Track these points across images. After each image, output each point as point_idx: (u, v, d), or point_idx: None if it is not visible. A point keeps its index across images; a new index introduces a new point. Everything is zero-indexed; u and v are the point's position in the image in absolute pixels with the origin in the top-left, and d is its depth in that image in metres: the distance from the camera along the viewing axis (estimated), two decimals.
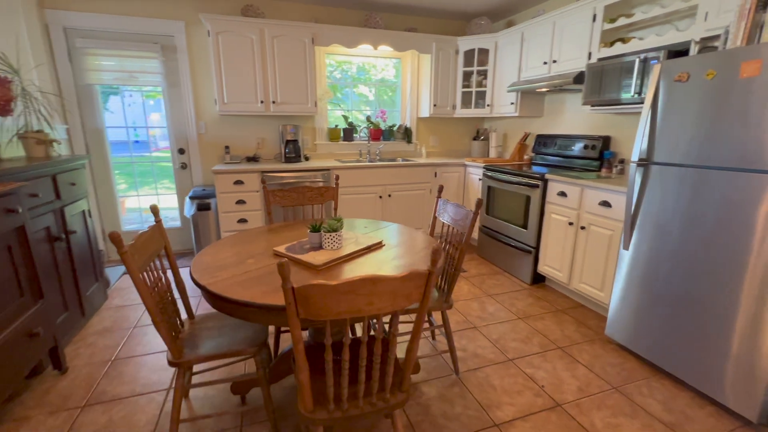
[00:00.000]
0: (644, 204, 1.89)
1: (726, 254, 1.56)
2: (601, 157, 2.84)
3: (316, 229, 1.52)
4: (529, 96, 3.42)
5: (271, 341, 2.11)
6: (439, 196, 2.01)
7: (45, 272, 1.90)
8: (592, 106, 2.61)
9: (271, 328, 2.22)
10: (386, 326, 2.11)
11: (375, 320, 1.54)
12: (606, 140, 2.84)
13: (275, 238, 1.73)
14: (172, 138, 3.42)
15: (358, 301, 0.94)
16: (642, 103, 2.23)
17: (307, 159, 3.69)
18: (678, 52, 2.09)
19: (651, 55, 2.14)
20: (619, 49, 2.43)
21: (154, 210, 1.50)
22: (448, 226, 1.87)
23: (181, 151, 3.46)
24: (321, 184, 3.15)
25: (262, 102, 3.25)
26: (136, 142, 3.34)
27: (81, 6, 2.95)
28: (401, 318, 2.41)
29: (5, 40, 2.46)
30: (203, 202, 3.18)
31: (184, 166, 3.50)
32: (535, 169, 3.07)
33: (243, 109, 3.22)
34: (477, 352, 2.06)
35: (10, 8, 2.59)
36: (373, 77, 4.04)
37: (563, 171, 2.84)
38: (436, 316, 2.48)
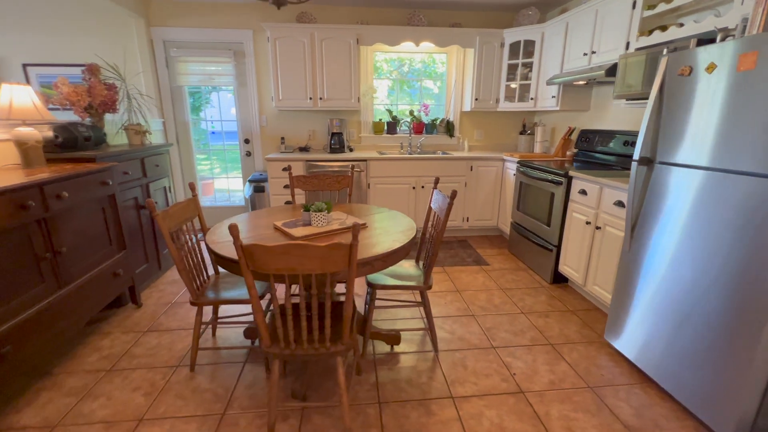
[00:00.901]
0: (645, 205, 1.80)
1: (723, 265, 1.45)
2: None
3: (307, 209, 1.82)
4: (573, 89, 3.26)
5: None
6: (434, 188, 2.16)
7: (131, 231, 2.53)
8: (627, 100, 2.45)
9: (282, 292, 2.61)
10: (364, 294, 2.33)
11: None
12: None
13: (287, 215, 2.07)
14: (240, 130, 4.03)
15: (291, 261, 1.20)
16: None
17: (351, 150, 4.02)
18: (711, 41, 1.89)
19: (681, 45, 1.97)
20: (656, 38, 2.24)
21: (191, 186, 1.95)
22: (437, 214, 2.02)
23: (246, 141, 4.06)
24: (348, 173, 3.44)
25: (310, 98, 3.66)
26: (212, 132, 4.03)
27: (177, 22, 3.65)
28: (400, 296, 2.61)
29: (117, 53, 3.22)
30: (258, 185, 3.73)
31: (248, 154, 4.11)
32: (575, 165, 2.94)
33: (294, 104, 3.67)
34: (464, 336, 2.18)
35: (126, 29, 3.36)
36: (438, 71, 4.19)
37: (597, 168, 2.70)
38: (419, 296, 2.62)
